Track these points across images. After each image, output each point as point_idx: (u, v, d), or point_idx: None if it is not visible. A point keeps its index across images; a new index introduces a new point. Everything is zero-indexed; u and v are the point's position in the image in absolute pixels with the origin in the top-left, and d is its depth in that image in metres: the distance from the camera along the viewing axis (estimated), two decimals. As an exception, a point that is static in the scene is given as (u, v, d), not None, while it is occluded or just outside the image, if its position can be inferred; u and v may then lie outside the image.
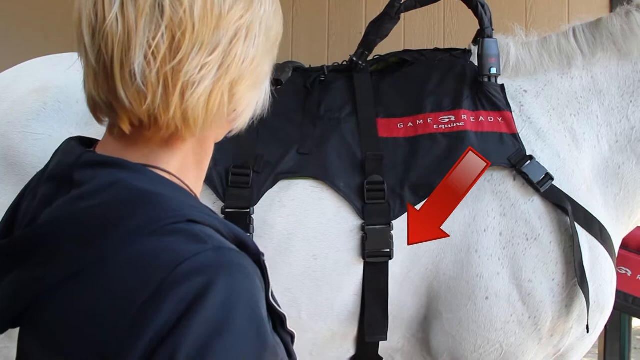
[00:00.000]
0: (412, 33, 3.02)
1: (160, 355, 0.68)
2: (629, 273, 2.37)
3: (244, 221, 1.63)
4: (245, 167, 1.66)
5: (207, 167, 0.93)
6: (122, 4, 0.76)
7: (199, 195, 0.91)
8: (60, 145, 0.90)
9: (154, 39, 0.76)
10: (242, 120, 0.90)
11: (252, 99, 0.89)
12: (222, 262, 0.74)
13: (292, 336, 0.91)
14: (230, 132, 0.94)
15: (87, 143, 0.91)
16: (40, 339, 0.78)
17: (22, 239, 0.80)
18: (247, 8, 0.83)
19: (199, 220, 0.77)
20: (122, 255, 0.73)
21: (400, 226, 1.64)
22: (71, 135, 0.92)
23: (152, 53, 0.76)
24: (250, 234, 1.63)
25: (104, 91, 0.80)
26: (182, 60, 0.77)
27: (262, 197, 1.65)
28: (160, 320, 0.69)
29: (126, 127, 0.81)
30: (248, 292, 0.75)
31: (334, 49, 3.19)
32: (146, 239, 0.74)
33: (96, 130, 0.91)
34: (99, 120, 0.86)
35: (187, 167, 0.87)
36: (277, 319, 0.87)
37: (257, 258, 0.83)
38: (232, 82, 0.82)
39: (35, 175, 0.91)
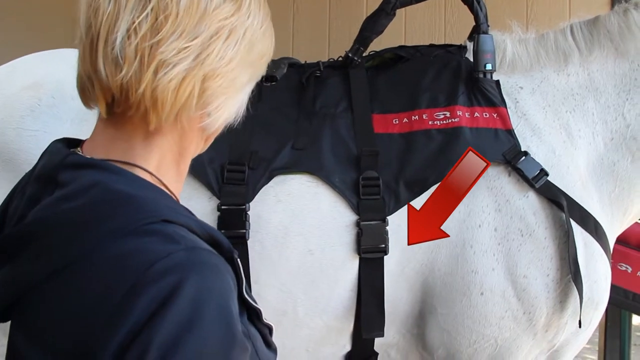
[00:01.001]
0: (413, 29, 3.02)
1: (134, 350, 0.72)
2: (629, 270, 2.36)
3: (240, 217, 1.64)
4: (240, 164, 1.67)
5: (185, 171, 0.97)
6: None
7: (178, 195, 0.96)
8: (48, 147, 0.95)
9: (138, 17, 0.83)
10: (212, 123, 0.93)
11: (225, 103, 0.93)
12: (194, 261, 0.79)
13: (269, 328, 0.97)
14: (206, 140, 0.99)
15: (75, 143, 0.96)
16: (26, 333, 0.81)
17: (11, 237, 0.85)
18: (233, 12, 0.89)
19: (173, 221, 0.82)
20: (101, 254, 0.78)
21: (395, 222, 1.64)
22: (66, 131, 0.96)
23: (134, 29, 0.83)
24: (246, 230, 1.63)
25: (87, 64, 0.86)
26: (161, 41, 0.83)
27: (257, 193, 1.66)
28: (133, 317, 0.73)
29: (102, 107, 0.87)
30: (218, 289, 0.79)
31: (335, 46, 3.19)
32: (123, 239, 0.78)
33: (91, 127, 0.94)
34: (87, 105, 0.91)
35: (165, 165, 0.92)
36: (253, 313, 0.93)
37: (230, 256, 0.88)
38: (205, 76, 0.87)
39: (25, 176, 0.96)
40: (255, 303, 0.93)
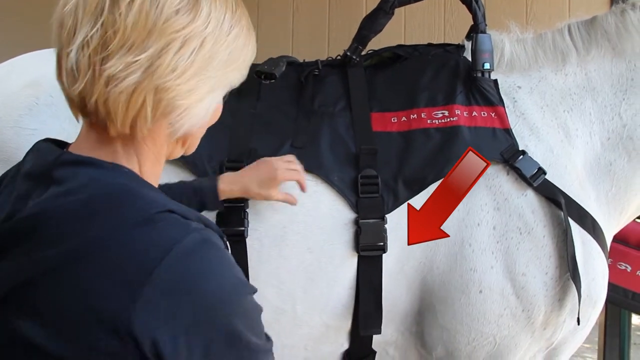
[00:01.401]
0: (413, 28, 3.02)
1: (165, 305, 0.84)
2: (629, 269, 2.37)
3: (239, 215, 1.64)
4: (239, 161, 1.67)
5: (160, 172, 1.03)
6: (77, 1, 0.89)
7: None
8: (34, 146, 1.00)
9: (90, 31, 0.87)
10: (177, 130, 0.97)
11: (187, 113, 0.95)
12: (207, 240, 0.90)
13: None
14: (183, 144, 1.03)
15: (59, 144, 1.00)
16: (34, 317, 0.86)
17: (8, 230, 0.88)
18: (186, 24, 0.90)
19: (175, 211, 0.90)
20: (117, 241, 0.85)
21: (394, 220, 1.65)
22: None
23: (87, 43, 0.87)
24: (245, 228, 1.64)
25: (57, 77, 0.93)
26: (110, 55, 0.87)
27: None
28: (159, 287, 0.84)
29: (74, 113, 0.94)
30: (227, 256, 0.93)
31: (334, 46, 3.19)
32: (140, 227, 0.86)
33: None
34: (75, 115, 0.96)
35: (146, 167, 0.98)
36: None
37: (222, 239, 0.97)
38: (156, 88, 0.89)
39: (7, 172, 1.02)
40: None
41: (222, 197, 1.58)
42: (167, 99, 0.91)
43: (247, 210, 1.65)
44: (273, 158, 1.63)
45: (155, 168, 1.00)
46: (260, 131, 1.73)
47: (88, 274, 0.84)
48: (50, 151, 0.95)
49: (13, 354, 0.89)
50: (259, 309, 0.95)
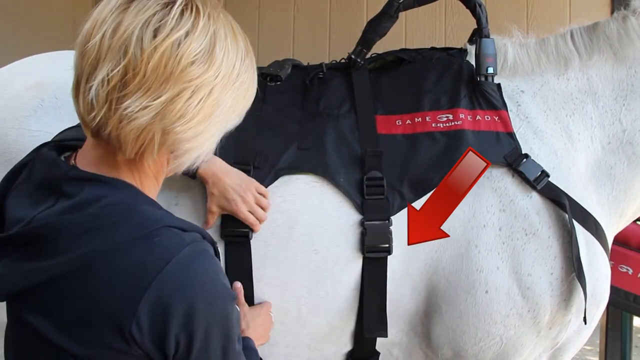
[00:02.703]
0: (414, 31, 3.03)
1: (168, 321, 0.94)
2: (630, 271, 2.38)
3: None
4: (245, 163, 1.68)
5: (160, 185, 1.11)
6: (102, 36, 0.95)
7: None
8: (40, 152, 1.08)
9: (112, 70, 0.94)
10: (180, 165, 1.06)
11: (190, 152, 1.04)
12: (198, 251, 0.99)
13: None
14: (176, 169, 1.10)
15: (62, 148, 1.10)
16: (44, 315, 0.96)
17: (22, 235, 0.97)
18: (200, 74, 0.97)
19: (172, 225, 1.00)
20: (118, 255, 0.94)
21: (399, 222, 1.65)
22: None
23: (108, 80, 0.94)
24: (249, 229, 1.64)
25: (73, 96, 1.00)
26: (127, 95, 0.94)
27: None
28: (159, 299, 0.94)
29: (88, 133, 1.01)
30: (216, 266, 1.03)
31: (335, 47, 3.20)
32: (139, 242, 0.95)
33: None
34: (85, 132, 1.03)
35: (146, 183, 1.06)
36: None
37: (214, 246, 1.07)
38: (164, 129, 0.97)
39: (15, 172, 1.10)
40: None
41: (196, 176, 1.62)
42: (173, 140, 0.98)
43: None
44: (246, 185, 1.63)
45: (155, 184, 1.09)
46: (266, 133, 1.74)
47: (91, 282, 0.94)
48: (56, 164, 1.03)
49: (29, 343, 0.99)
50: (238, 315, 1.06)
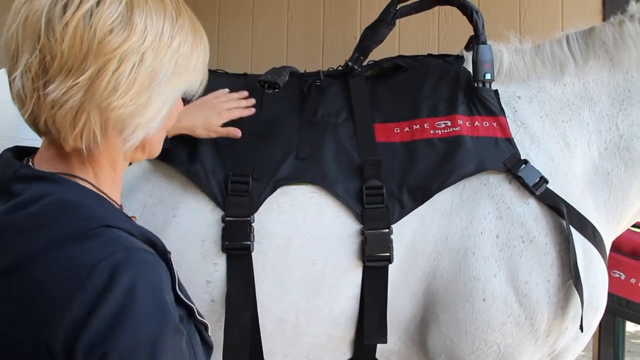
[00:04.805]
0: (407, 38, 3.03)
1: (79, 339, 0.84)
2: (623, 276, 2.39)
3: (245, 229, 1.64)
4: (244, 175, 1.67)
5: (121, 177, 1.07)
6: (17, 26, 0.92)
7: (118, 197, 1.06)
8: (1, 155, 1.06)
9: (29, 58, 0.90)
10: (132, 144, 0.99)
11: (141, 127, 0.97)
12: (132, 259, 0.90)
13: (204, 325, 1.07)
14: (143, 150, 1.06)
15: (27, 151, 1.07)
16: None
17: None
18: (122, 41, 0.91)
19: (113, 225, 0.93)
20: (48, 257, 0.88)
21: (397, 230, 1.65)
22: None
23: (28, 69, 0.91)
24: (251, 241, 1.64)
25: (11, 95, 0.97)
26: (50, 80, 0.90)
27: (261, 204, 1.66)
28: (77, 311, 0.84)
29: (34, 130, 0.98)
30: (152, 281, 0.91)
31: (329, 54, 3.20)
32: (70, 243, 0.89)
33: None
34: (36, 133, 1.01)
35: (101, 176, 1.01)
36: (186, 311, 1.02)
37: (165, 256, 0.99)
38: (100, 107, 0.92)
39: None
40: (189, 301, 1.03)
41: (169, 134, 1.58)
42: (115, 118, 0.93)
43: (252, 224, 1.64)
44: (212, 98, 1.73)
45: (113, 174, 1.03)
46: (264, 143, 1.73)
47: (28, 283, 0.88)
48: (9, 164, 1.01)
49: None
50: (179, 343, 0.94)
